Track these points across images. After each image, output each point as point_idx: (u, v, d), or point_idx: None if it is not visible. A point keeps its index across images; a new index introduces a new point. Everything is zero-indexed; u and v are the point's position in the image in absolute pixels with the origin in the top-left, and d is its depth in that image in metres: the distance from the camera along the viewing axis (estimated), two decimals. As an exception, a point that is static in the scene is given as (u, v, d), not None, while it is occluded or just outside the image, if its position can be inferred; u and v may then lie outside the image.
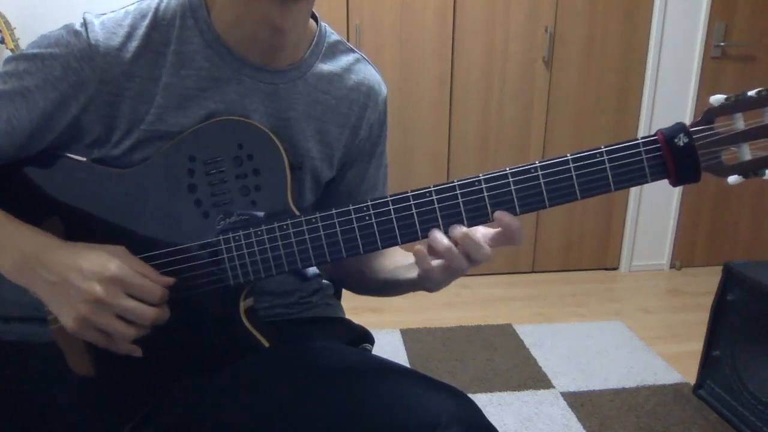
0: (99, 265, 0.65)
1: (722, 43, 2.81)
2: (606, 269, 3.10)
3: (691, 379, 1.94)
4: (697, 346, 1.88)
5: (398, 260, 0.84)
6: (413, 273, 0.74)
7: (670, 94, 2.85)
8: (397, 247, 0.86)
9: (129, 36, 0.71)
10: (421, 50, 2.68)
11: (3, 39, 2.27)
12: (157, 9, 0.72)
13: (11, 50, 2.28)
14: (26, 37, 2.31)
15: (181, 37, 0.72)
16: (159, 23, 0.72)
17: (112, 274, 0.65)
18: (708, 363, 1.85)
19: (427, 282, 0.71)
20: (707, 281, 2.83)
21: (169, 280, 0.69)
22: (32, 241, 0.69)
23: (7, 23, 2.28)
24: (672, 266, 3.12)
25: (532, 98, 2.81)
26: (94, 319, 0.65)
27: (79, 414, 0.77)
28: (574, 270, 3.06)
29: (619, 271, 3.09)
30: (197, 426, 0.75)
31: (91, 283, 0.64)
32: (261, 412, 0.71)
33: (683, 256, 3.11)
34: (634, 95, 2.87)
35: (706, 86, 2.87)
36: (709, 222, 3.08)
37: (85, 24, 0.69)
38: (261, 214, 0.71)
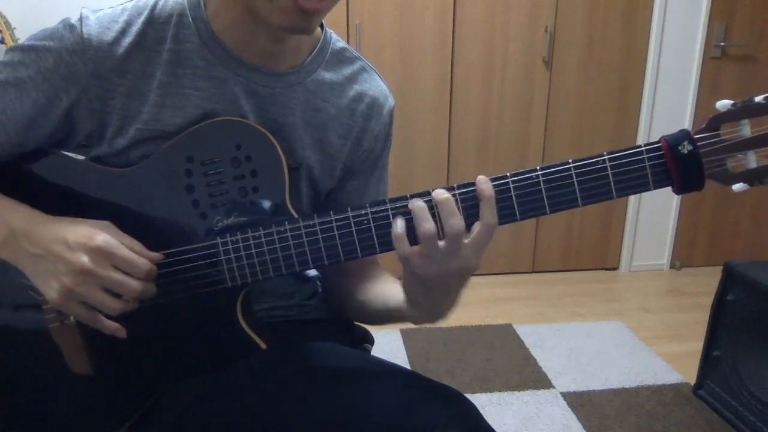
0: (85, 236, 0.65)
1: (722, 43, 2.81)
2: (606, 269, 3.09)
3: (691, 379, 1.94)
4: (697, 346, 1.88)
5: (386, 288, 0.81)
6: (400, 297, 0.72)
7: (670, 94, 2.85)
8: (384, 276, 0.85)
9: (123, 32, 0.70)
10: (421, 50, 2.68)
11: (3, 39, 2.27)
12: (154, 6, 0.72)
13: (11, 50, 2.27)
14: (26, 37, 2.30)
15: (177, 35, 0.72)
16: (155, 21, 0.72)
17: (98, 244, 0.64)
18: (708, 363, 1.85)
19: (412, 287, 0.68)
20: (707, 281, 2.83)
21: (157, 255, 0.69)
22: (17, 214, 0.69)
23: (7, 23, 2.28)
24: (672, 266, 3.12)
25: (532, 98, 2.81)
26: (79, 291, 0.65)
27: (75, 413, 0.77)
28: (574, 270, 3.06)
29: (619, 271, 3.09)
30: (195, 427, 0.75)
31: (76, 254, 0.64)
32: (259, 413, 0.71)
33: (683, 256, 3.11)
34: (634, 95, 2.87)
35: (706, 86, 2.86)
36: (709, 222, 3.08)
37: (80, 18, 0.70)
38: (260, 215, 0.71)
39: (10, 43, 2.26)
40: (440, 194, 0.61)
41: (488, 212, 0.61)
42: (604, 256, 3.08)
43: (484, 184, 0.62)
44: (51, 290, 0.66)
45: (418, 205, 0.62)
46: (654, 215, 3.02)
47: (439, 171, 2.84)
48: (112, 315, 0.67)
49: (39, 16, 2.43)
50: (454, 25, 2.68)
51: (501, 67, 2.76)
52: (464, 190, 0.63)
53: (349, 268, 0.85)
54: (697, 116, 2.89)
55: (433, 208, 0.62)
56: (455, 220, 0.60)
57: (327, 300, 0.93)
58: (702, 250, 3.12)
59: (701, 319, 1.94)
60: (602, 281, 2.98)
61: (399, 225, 0.63)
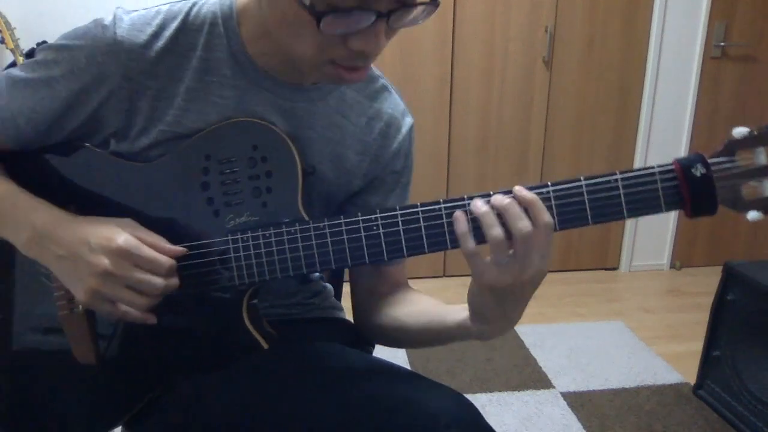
0: (106, 238, 0.66)
1: (722, 43, 2.81)
2: (606, 269, 3.10)
3: (691, 379, 1.95)
4: (697, 346, 1.88)
5: (436, 309, 0.77)
6: (463, 314, 0.69)
7: (670, 94, 2.86)
8: (422, 298, 0.82)
9: (155, 35, 0.71)
10: (421, 50, 2.68)
11: (3, 39, 2.27)
12: (188, 13, 0.73)
13: (11, 50, 2.28)
14: (26, 37, 2.31)
15: (208, 43, 0.72)
16: (188, 27, 0.72)
17: (118, 246, 0.65)
18: (708, 363, 1.85)
19: (482, 310, 0.65)
20: (707, 281, 2.83)
21: (180, 250, 0.69)
22: (43, 215, 0.70)
23: (7, 23, 2.29)
24: (672, 266, 3.12)
25: (532, 98, 2.81)
26: (105, 292, 0.66)
27: (77, 403, 0.78)
28: (574, 270, 3.06)
29: (619, 271, 3.09)
30: (196, 426, 0.75)
31: (98, 256, 0.65)
32: (259, 412, 0.71)
33: (683, 256, 3.11)
34: (634, 95, 2.87)
35: (706, 86, 2.87)
36: (709, 222, 3.07)
37: (114, 19, 0.70)
38: (272, 215, 0.71)
39: (11, 44, 2.26)
40: (502, 200, 0.60)
41: (542, 213, 0.60)
42: (604, 256, 3.09)
43: (524, 191, 0.61)
44: (78, 291, 0.68)
45: (484, 210, 0.61)
46: (654, 215, 3.01)
47: (439, 171, 2.84)
48: (138, 310, 0.68)
49: (39, 16, 2.43)
50: (454, 25, 2.68)
51: (501, 67, 2.76)
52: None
53: (381, 291, 0.85)
54: (697, 116, 2.89)
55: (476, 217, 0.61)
56: (524, 223, 0.59)
57: (361, 330, 0.91)
58: (702, 250, 3.12)
59: (701, 319, 1.94)
60: (602, 281, 2.98)
61: (463, 223, 0.62)
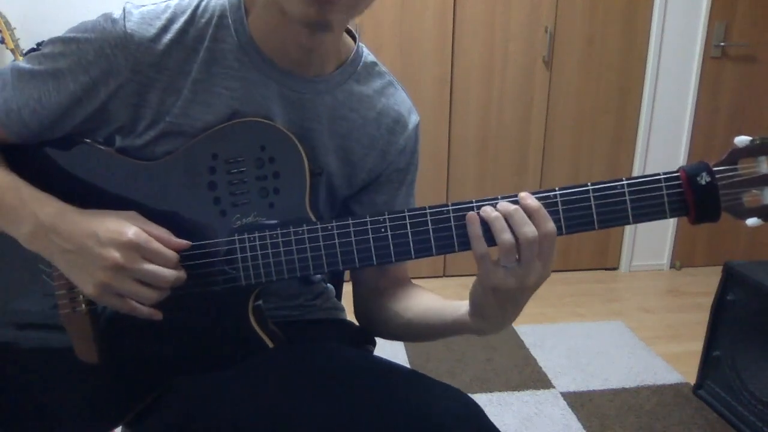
0: (115, 231, 0.66)
1: (722, 43, 2.81)
2: (606, 269, 3.10)
3: (691, 379, 1.95)
4: (697, 346, 1.88)
5: (436, 303, 0.80)
6: (462, 310, 0.73)
7: (670, 94, 2.86)
8: (422, 292, 0.84)
9: (164, 29, 0.71)
10: (421, 50, 2.68)
11: (3, 39, 2.27)
12: (197, 6, 0.73)
13: (11, 50, 2.28)
14: (26, 37, 2.31)
15: (216, 35, 0.73)
16: (197, 20, 0.73)
17: (128, 239, 0.65)
18: (708, 363, 1.85)
19: (482, 309, 0.68)
20: (707, 281, 2.83)
21: (185, 243, 0.70)
22: (47, 208, 0.69)
23: (7, 23, 2.28)
24: (672, 266, 3.12)
25: (532, 98, 2.81)
26: (115, 285, 0.66)
27: (78, 402, 0.78)
28: (574, 270, 3.06)
29: (619, 271, 3.09)
30: (197, 423, 0.75)
31: (108, 250, 0.65)
32: (262, 413, 0.71)
33: (683, 256, 3.11)
34: (634, 95, 2.87)
35: (706, 86, 2.87)
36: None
37: (124, 13, 0.70)
38: (279, 216, 0.71)
39: (11, 44, 2.26)
40: (508, 206, 0.63)
41: (546, 222, 0.63)
42: (604, 256, 3.09)
43: (528, 199, 0.63)
44: (86, 285, 0.67)
45: (495, 215, 0.63)
46: (654, 215, 3.02)
47: (439, 171, 2.84)
48: (147, 304, 0.68)
49: (39, 16, 2.42)
50: (454, 25, 2.68)
51: (501, 67, 2.76)
52: (510, 200, 0.64)
53: (382, 286, 0.86)
54: (697, 116, 2.89)
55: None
56: (529, 228, 0.62)
57: (364, 326, 0.92)
58: (702, 250, 3.12)
59: (701, 319, 1.94)
60: (602, 281, 2.98)
61: (477, 226, 0.64)
